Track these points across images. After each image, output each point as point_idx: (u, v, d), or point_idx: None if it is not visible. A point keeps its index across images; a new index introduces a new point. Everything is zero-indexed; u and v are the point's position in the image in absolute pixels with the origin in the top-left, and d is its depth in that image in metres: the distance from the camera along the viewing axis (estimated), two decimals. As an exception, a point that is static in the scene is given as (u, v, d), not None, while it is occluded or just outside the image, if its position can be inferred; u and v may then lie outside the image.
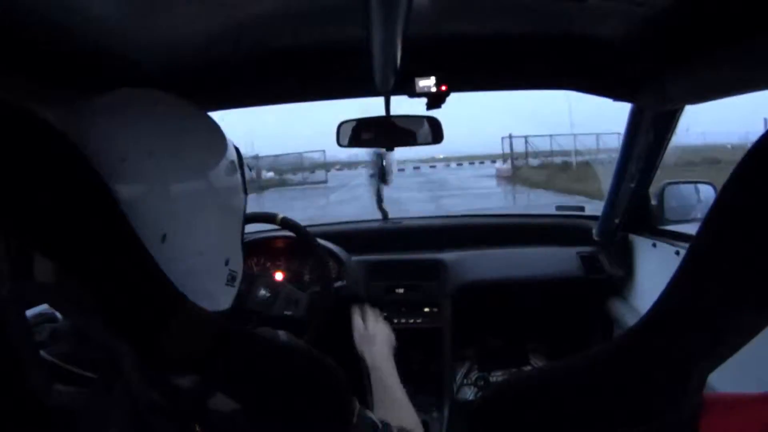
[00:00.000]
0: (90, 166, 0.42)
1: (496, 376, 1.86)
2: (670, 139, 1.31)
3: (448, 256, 1.72)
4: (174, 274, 0.46)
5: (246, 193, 0.59)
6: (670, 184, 1.53)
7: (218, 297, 0.54)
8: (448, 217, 2.09)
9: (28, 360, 0.38)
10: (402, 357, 1.72)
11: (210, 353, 0.46)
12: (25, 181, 0.39)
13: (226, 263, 0.54)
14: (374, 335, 1.10)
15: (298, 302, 1.35)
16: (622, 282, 1.64)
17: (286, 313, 1.34)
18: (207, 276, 0.52)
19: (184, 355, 0.44)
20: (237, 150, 0.58)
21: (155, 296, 0.44)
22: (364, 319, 1.14)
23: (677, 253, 1.29)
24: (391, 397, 0.86)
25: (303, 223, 1.45)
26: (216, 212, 0.52)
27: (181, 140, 0.50)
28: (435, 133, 1.30)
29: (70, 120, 0.47)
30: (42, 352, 0.46)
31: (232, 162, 0.55)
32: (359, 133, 1.30)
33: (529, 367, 1.87)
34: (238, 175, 0.57)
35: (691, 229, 1.48)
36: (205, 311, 0.48)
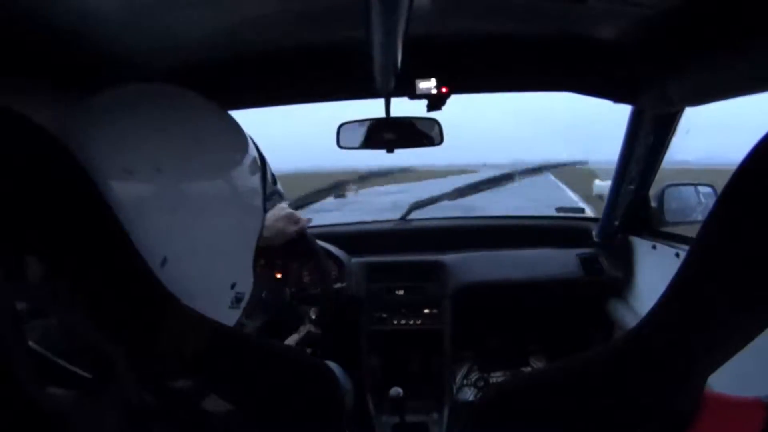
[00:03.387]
0: (80, 168, 0.41)
1: (496, 377, 1.86)
2: (670, 141, 1.31)
3: (448, 257, 1.72)
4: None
5: (265, 211, 0.54)
6: (670, 186, 1.53)
7: (219, 321, 0.51)
8: (448, 218, 2.09)
9: (20, 361, 0.37)
10: (402, 358, 1.74)
11: (202, 354, 0.46)
12: (15, 183, 0.39)
13: (233, 287, 0.51)
14: None
15: (297, 304, 1.34)
16: (621, 283, 1.63)
17: (285, 314, 1.33)
18: (208, 301, 0.48)
19: (176, 355, 0.44)
20: (263, 161, 0.54)
21: (145, 298, 0.44)
22: None
23: (677, 255, 1.29)
24: None
25: None
26: (226, 233, 0.48)
27: (192, 152, 0.46)
28: (435, 134, 1.30)
29: (70, 121, 0.46)
30: (32, 345, 0.45)
31: (252, 173, 0.51)
32: (359, 134, 1.30)
33: (528, 369, 1.87)
34: (259, 189, 0.52)
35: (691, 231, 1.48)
36: (196, 312, 0.48)
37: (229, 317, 0.53)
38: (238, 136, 0.52)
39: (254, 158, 0.52)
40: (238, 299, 0.53)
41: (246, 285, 0.53)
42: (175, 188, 0.45)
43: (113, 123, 0.45)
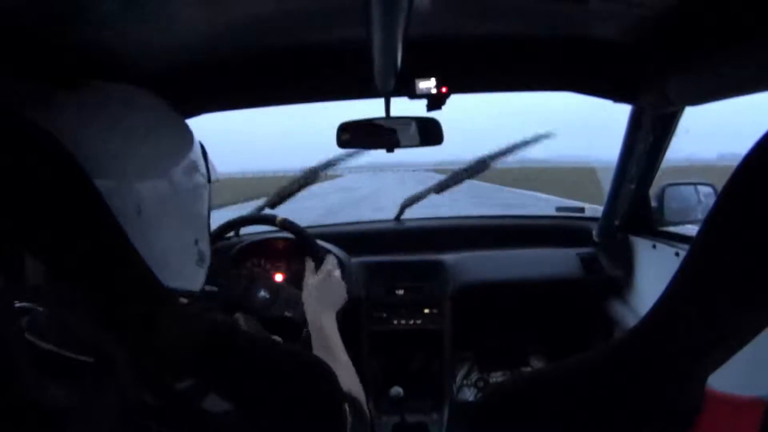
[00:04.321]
0: (78, 166, 0.42)
1: (496, 377, 1.86)
2: (670, 140, 1.31)
3: (448, 257, 1.72)
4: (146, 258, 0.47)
5: (210, 181, 0.61)
6: (670, 185, 1.53)
7: (190, 277, 0.55)
8: (448, 218, 2.09)
9: (21, 360, 0.37)
10: (402, 358, 1.74)
11: (201, 352, 0.46)
12: (14, 183, 0.39)
13: (196, 242, 0.56)
14: (321, 292, 1.02)
15: (298, 303, 1.34)
16: (621, 283, 1.63)
17: (285, 314, 1.33)
18: (178, 258, 0.53)
19: (175, 353, 0.44)
20: (201, 145, 0.61)
21: (145, 295, 0.44)
22: (318, 271, 1.06)
23: (677, 254, 1.29)
24: (333, 358, 0.80)
25: (303, 224, 1.45)
26: (182, 202, 0.54)
27: (148, 137, 0.51)
28: (435, 134, 1.30)
29: (46, 115, 0.47)
30: (34, 343, 0.46)
31: (195, 161, 0.58)
32: (358, 134, 1.30)
33: (528, 369, 1.87)
34: (203, 168, 0.59)
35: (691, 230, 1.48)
36: (196, 310, 0.48)
37: (197, 274, 0.57)
38: (187, 133, 0.58)
39: (195, 159, 0.58)
40: (201, 257, 0.57)
41: (205, 245, 0.58)
42: (136, 164, 0.49)
43: (77, 117, 0.49)
